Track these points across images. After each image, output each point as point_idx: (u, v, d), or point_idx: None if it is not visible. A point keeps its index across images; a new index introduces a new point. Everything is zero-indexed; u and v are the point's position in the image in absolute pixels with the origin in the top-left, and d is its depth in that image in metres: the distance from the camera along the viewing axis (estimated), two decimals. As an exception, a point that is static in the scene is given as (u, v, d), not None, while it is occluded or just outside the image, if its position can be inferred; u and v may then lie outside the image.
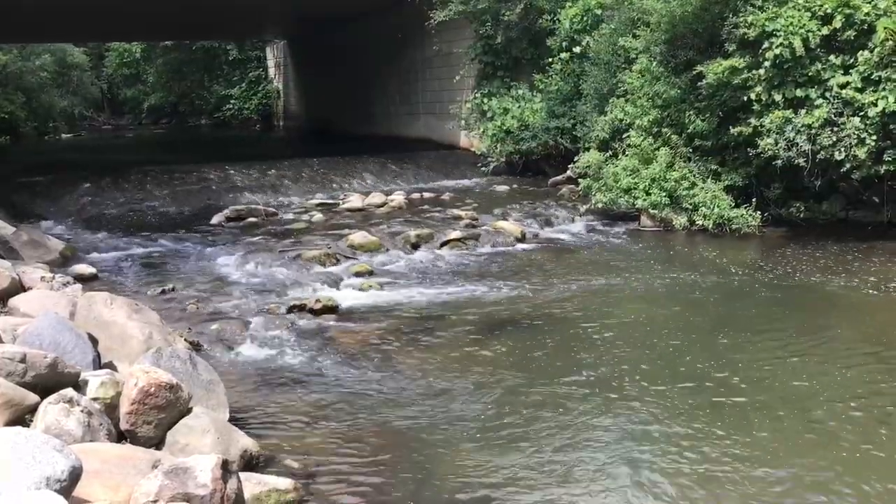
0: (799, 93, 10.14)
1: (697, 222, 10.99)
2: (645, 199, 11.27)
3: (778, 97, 10.21)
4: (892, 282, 8.33)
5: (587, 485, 4.30)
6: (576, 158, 12.96)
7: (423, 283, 8.72)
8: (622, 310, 7.75)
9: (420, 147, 18.94)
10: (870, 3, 9.80)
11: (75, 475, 3.04)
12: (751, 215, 10.74)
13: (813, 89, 10.08)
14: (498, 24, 15.83)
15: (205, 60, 35.39)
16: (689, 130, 11.44)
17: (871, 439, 4.76)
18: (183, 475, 3.33)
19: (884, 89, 9.52)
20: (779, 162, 10.24)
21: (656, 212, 11.27)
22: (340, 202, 13.43)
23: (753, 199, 10.91)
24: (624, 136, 12.10)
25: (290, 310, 7.54)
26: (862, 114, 9.64)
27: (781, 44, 9.96)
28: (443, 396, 5.55)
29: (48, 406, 3.85)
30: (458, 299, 8.05)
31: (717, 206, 10.83)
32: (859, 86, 9.73)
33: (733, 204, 10.90)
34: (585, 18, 14.47)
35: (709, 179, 11.19)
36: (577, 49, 14.40)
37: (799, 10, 10.07)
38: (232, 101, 34.72)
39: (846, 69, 9.94)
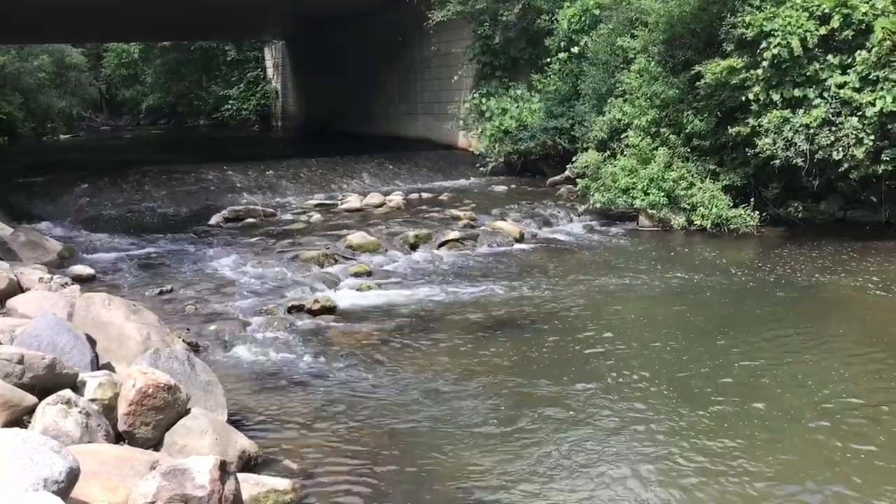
0: (797, 93, 10.15)
1: (695, 222, 11.00)
2: (643, 199, 11.27)
3: (776, 97, 10.21)
4: (890, 281, 8.33)
5: (586, 486, 4.30)
6: (574, 158, 12.97)
7: (422, 283, 8.72)
8: (621, 310, 7.74)
9: (418, 147, 18.94)
10: (867, 2, 9.81)
11: (73, 476, 3.04)
12: (749, 215, 10.75)
13: (811, 89, 10.09)
14: (496, 24, 15.84)
15: (203, 61, 35.39)
16: (687, 130, 11.45)
17: (870, 439, 4.76)
18: (181, 476, 3.33)
19: (881, 89, 9.53)
20: (777, 162, 10.25)
21: (654, 212, 11.27)
22: (339, 203, 13.42)
23: (751, 199, 10.93)
24: (622, 136, 12.11)
25: (289, 310, 7.54)
26: (860, 113, 9.65)
27: (779, 44, 9.97)
28: (441, 397, 5.55)
29: (46, 407, 3.85)
30: (457, 300, 8.05)
31: (716, 206, 10.84)
32: (857, 85, 9.74)
33: (731, 204, 10.91)
34: (583, 18, 14.48)
35: (707, 179, 11.20)
36: (575, 49, 14.41)
37: (797, 9, 10.07)
38: (230, 102, 34.71)
39: (844, 69, 9.95)
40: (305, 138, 27.11)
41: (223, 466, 3.47)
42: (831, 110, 9.87)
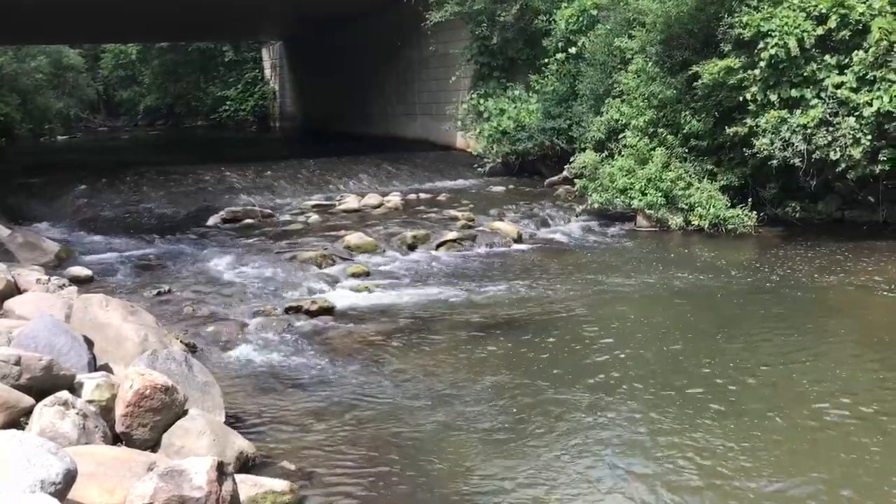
0: (794, 93, 10.16)
1: (693, 222, 11.00)
2: (641, 200, 11.28)
3: (773, 97, 10.22)
4: (888, 281, 8.34)
5: (585, 487, 4.30)
6: (572, 159, 12.98)
7: (420, 284, 8.72)
8: (619, 310, 7.75)
9: (416, 148, 18.94)
10: (864, 3, 9.82)
11: (70, 478, 3.03)
12: (746, 215, 10.76)
13: (808, 89, 10.10)
14: (494, 24, 15.84)
15: (201, 62, 35.38)
16: (684, 130, 11.46)
17: (869, 440, 4.76)
18: (178, 477, 3.33)
19: (879, 89, 9.54)
20: (774, 162, 10.26)
21: (652, 212, 11.28)
22: (337, 203, 13.42)
23: (749, 199, 10.94)
24: (620, 136, 12.11)
25: (287, 311, 7.54)
26: (857, 114, 9.66)
27: (777, 44, 9.98)
28: (439, 397, 5.55)
29: (43, 409, 3.84)
30: (455, 300, 8.05)
31: (713, 206, 10.85)
32: (854, 86, 9.74)
33: (729, 204, 10.92)
34: (581, 19, 14.48)
35: (705, 179, 11.21)
36: (572, 50, 14.41)
37: (794, 10, 10.09)
38: (228, 103, 34.69)
39: (841, 69, 9.97)
40: (303, 139, 27.10)
41: (220, 467, 3.47)
42: (828, 110, 9.88)
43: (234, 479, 3.57)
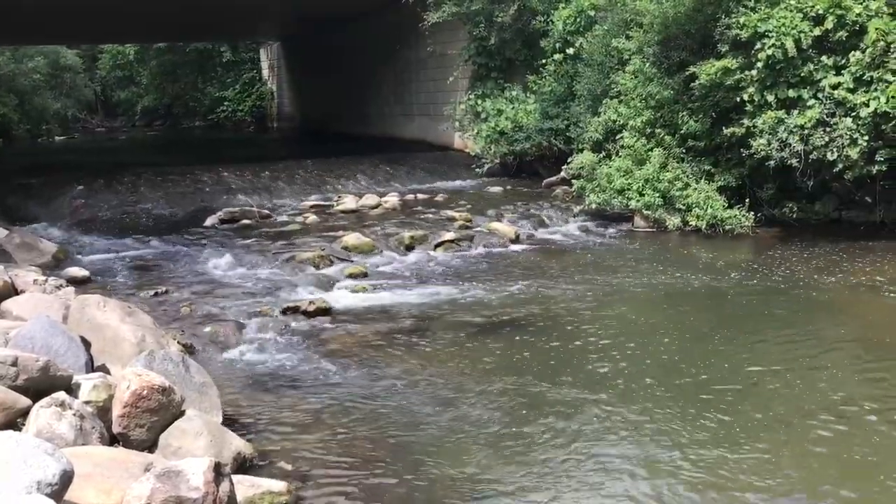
0: (791, 93, 10.17)
1: (691, 223, 11.01)
2: (638, 200, 11.29)
3: (770, 98, 10.24)
4: (885, 281, 8.36)
5: (586, 492, 4.30)
6: (569, 159, 12.98)
7: (417, 284, 8.72)
8: (616, 311, 7.75)
9: (414, 148, 18.93)
10: (861, 4, 9.84)
11: (66, 479, 3.03)
12: (744, 216, 10.77)
13: (805, 90, 10.11)
14: (491, 25, 15.84)
15: (198, 62, 35.35)
16: (682, 131, 11.47)
17: (867, 440, 4.77)
18: (175, 478, 3.32)
19: (875, 90, 9.56)
20: (771, 162, 10.27)
21: (650, 212, 11.28)
22: (334, 204, 13.41)
23: (746, 200, 10.95)
24: (617, 136, 12.12)
25: (284, 312, 7.54)
26: (854, 114, 9.67)
27: (774, 44, 10.00)
28: (437, 399, 5.55)
29: (40, 410, 3.84)
30: (452, 301, 8.05)
31: (711, 207, 10.86)
32: (851, 86, 9.76)
33: (726, 204, 10.93)
34: (578, 20, 14.48)
35: (702, 180, 11.22)
36: (570, 50, 14.41)
37: (791, 10, 10.10)
38: (226, 103, 34.66)
39: (838, 70, 9.98)
40: (301, 139, 27.09)
41: (218, 468, 3.47)
42: (825, 111, 9.89)
43: (231, 480, 3.57)
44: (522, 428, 5.02)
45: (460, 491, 4.27)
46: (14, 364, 4.02)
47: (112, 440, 4.16)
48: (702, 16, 11.21)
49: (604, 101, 12.72)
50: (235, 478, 3.76)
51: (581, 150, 12.74)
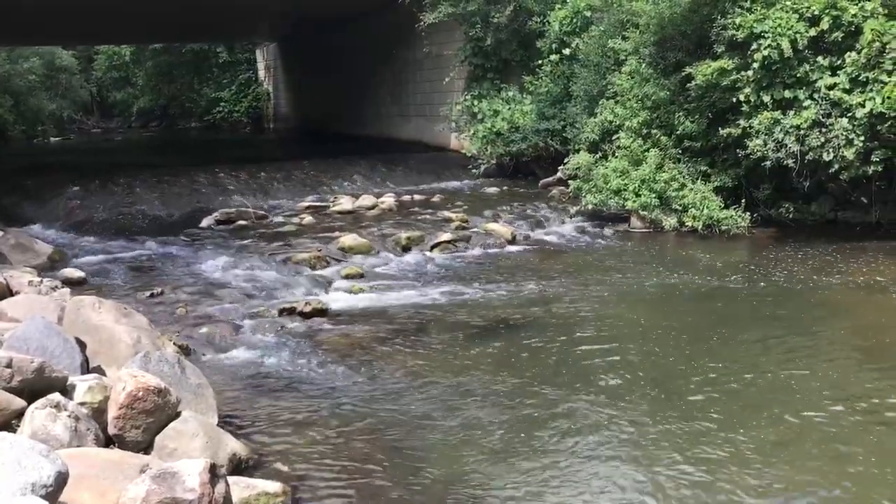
0: (787, 94, 10.19)
1: (687, 223, 11.02)
2: (635, 201, 11.29)
3: (766, 98, 10.25)
4: (881, 282, 8.37)
5: (585, 495, 4.30)
6: (566, 160, 12.98)
7: (414, 285, 8.71)
8: (614, 312, 7.75)
9: (411, 149, 18.93)
10: (857, 4, 9.85)
11: (61, 481, 3.02)
12: (740, 216, 10.79)
13: (801, 90, 10.13)
14: (487, 26, 15.84)
15: (195, 63, 35.32)
16: (678, 132, 11.48)
17: (864, 440, 4.78)
18: (170, 480, 3.31)
19: (871, 90, 9.58)
20: (768, 163, 10.29)
21: (646, 213, 11.29)
22: (331, 204, 13.39)
23: (743, 200, 10.96)
24: (614, 137, 12.12)
25: (280, 313, 7.53)
26: (850, 115, 9.69)
27: (769, 45, 10.01)
28: (434, 400, 5.54)
29: (35, 411, 3.83)
30: (449, 302, 8.04)
31: (707, 207, 10.87)
32: (847, 87, 9.78)
33: (723, 205, 10.95)
34: (575, 20, 14.49)
35: (698, 180, 11.23)
36: (566, 51, 14.41)
37: (787, 11, 10.12)
38: (222, 104, 34.62)
39: (834, 70, 10.00)
40: (297, 140, 27.08)
41: (213, 469, 3.45)
42: (821, 112, 9.91)
43: (226, 481, 3.56)
44: (521, 430, 5.00)
45: (458, 493, 4.26)
46: (9, 365, 4.00)
47: (107, 442, 4.14)
48: (698, 16, 11.23)
49: (600, 102, 12.73)
50: (231, 479, 3.75)
51: (577, 151, 12.74)
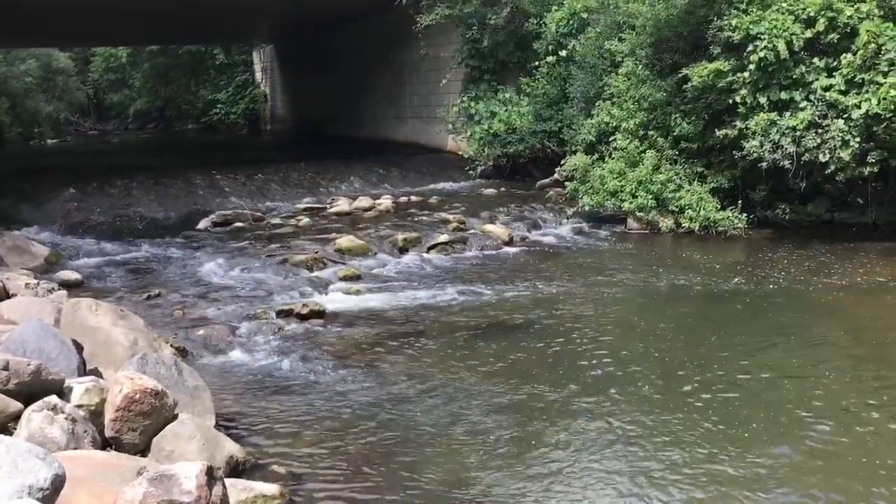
0: (783, 95, 10.21)
1: (684, 224, 11.04)
2: (631, 202, 11.31)
3: (763, 100, 10.27)
4: (877, 283, 8.39)
5: (578, 492, 4.30)
6: (562, 161, 12.99)
7: (411, 286, 8.71)
8: (610, 313, 7.76)
9: (407, 150, 18.93)
10: (853, 6, 9.88)
11: (58, 483, 3.01)
12: (737, 217, 10.80)
13: (797, 92, 10.15)
14: (484, 27, 15.86)
15: (191, 65, 35.30)
16: (674, 133, 11.50)
17: (864, 441, 4.78)
18: (167, 482, 3.31)
19: (867, 91, 9.60)
20: (764, 164, 10.30)
21: (643, 214, 11.31)
22: (328, 206, 13.40)
23: (739, 201, 10.98)
24: (610, 139, 12.13)
25: (278, 315, 7.53)
26: (846, 116, 9.71)
27: (766, 47, 10.03)
28: (431, 402, 5.54)
29: (32, 413, 3.82)
30: (446, 303, 8.04)
31: (703, 209, 10.89)
32: (843, 88, 9.80)
33: (719, 206, 10.96)
34: (571, 22, 14.51)
35: (695, 182, 11.24)
36: (563, 52, 14.43)
37: (783, 13, 10.14)
38: (219, 106, 34.59)
39: (830, 72, 10.02)
40: (294, 142, 27.08)
41: (210, 472, 3.45)
42: (817, 113, 9.93)
43: (224, 484, 3.56)
44: (520, 432, 5.00)
45: (457, 496, 4.26)
46: (5, 368, 3.99)
47: (104, 444, 4.14)
48: (694, 18, 11.25)
49: (597, 104, 12.74)
50: (228, 481, 3.75)
51: (574, 153, 12.75)
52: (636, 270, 9.30)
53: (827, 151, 9.81)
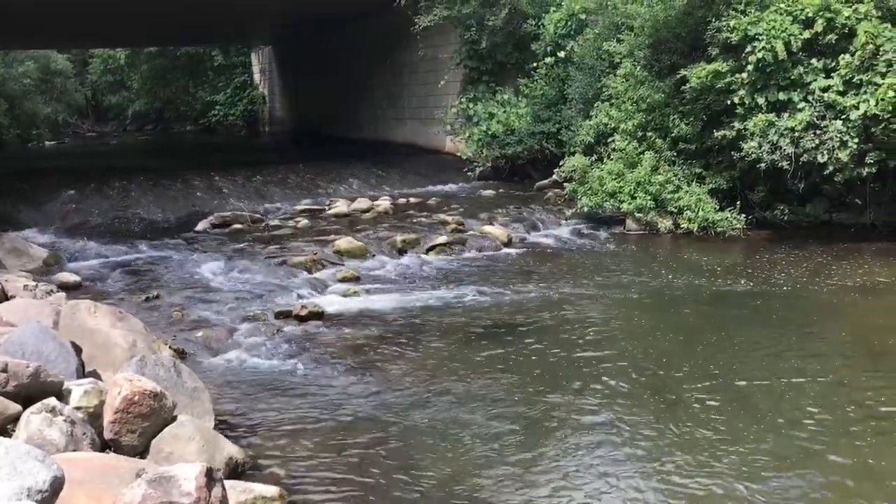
0: (782, 96, 10.22)
1: (682, 225, 11.04)
2: (630, 203, 11.31)
3: (761, 101, 10.28)
4: (875, 284, 8.39)
5: (577, 493, 4.30)
6: (561, 163, 12.99)
7: (410, 288, 8.71)
8: (610, 314, 7.76)
9: (406, 152, 18.94)
10: (850, 7, 9.89)
11: (57, 485, 3.01)
12: (735, 218, 10.81)
13: (795, 93, 10.16)
14: (482, 28, 15.87)
15: (189, 66, 35.31)
16: (673, 134, 11.51)
17: (864, 442, 4.79)
18: (167, 484, 3.30)
19: (865, 92, 9.61)
20: (762, 165, 10.31)
21: (641, 215, 11.31)
22: (326, 208, 13.40)
23: (738, 202, 10.99)
24: (609, 140, 12.14)
25: (276, 316, 7.53)
26: (844, 117, 9.72)
27: (764, 48, 10.04)
28: (429, 403, 5.54)
29: (30, 416, 3.82)
30: (445, 304, 8.04)
31: (702, 210, 10.89)
32: (841, 89, 9.81)
33: (718, 207, 10.97)
34: (570, 23, 14.52)
35: (693, 183, 11.25)
36: (561, 54, 14.44)
37: (781, 14, 10.15)
38: (217, 107, 34.60)
39: (828, 73, 10.03)
40: (293, 143, 27.08)
41: (210, 473, 3.44)
42: (816, 114, 9.94)
43: (223, 485, 3.55)
44: (520, 434, 5.00)
45: (454, 494, 4.26)
46: (4, 370, 3.99)
47: (103, 446, 4.14)
48: (692, 19, 11.26)
49: (595, 105, 12.75)
50: (228, 483, 3.74)
51: (573, 154, 12.75)
52: (635, 271, 9.31)
53: (825, 152, 9.82)
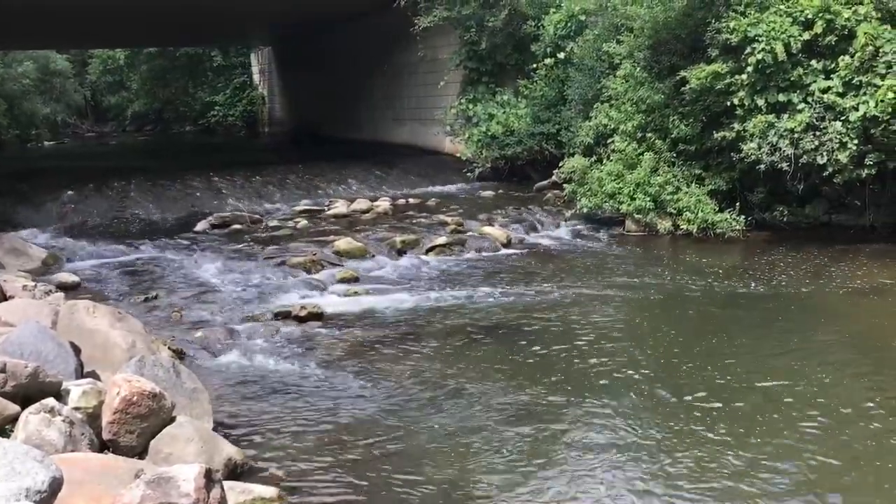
0: (781, 97, 10.21)
1: (682, 227, 11.03)
2: (629, 204, 11.31)
3: (760, 102, 10.27)
4: (874, 285, 8.39)
5: (576, 495, 4.29)
6: (561, 164, 12.99)
7: (409, 289, 8.70)
8: (610, 315, 7.74)
9: (405, 152, 18.94)
10: (850, 8, 9.89)
11: (56, 486, 3.00)
12: (735, 219, 10.81)
13: (795, 94, 10.15)
14: (482, 29, 15.87)
15: (189, 67, 35.30)
16: (673, 135, 11.50)
17: (864, 443, 4.78)
18: (165, 485, 3.30)
19: (864, 94, 9.60)
20: (762, 166, 10.30)
21: (641, 216, 11.31)
22: (326, 208, 13.39)
23: (737, 204, 10.98)
24: (608, 141, 12.13)
25: (275, 317, 7.52)
26: (843, 118, 9.72)
27: (764, 49, 10.03)
28: (428, 404, 5.53)
29: (29, 416, 3.82)
30: (444, 305, 8.04)
31: (702, 211, 10.89)
32: (840, 90, 9.81)
33: (717, 208, 10.96)
34: (569, 24, 14.52)
35: (693, 184, 11.24)
36: (561, 55, 14.45)
37: (780, 15, 10.14)
38: (217, 108, 34.59)
39: (827, 74, 10.03)
40: (292, 144, 27.07)
41: (208, 474, 3.44)
42: (815, 115, 9.93)
43: (222, 486, 3.55)
44: (520, 435, 4.99)
45: (453, 495, 4.26)
46: (2, 370, 3.99)
47: (102, 447, 4.13)
48: (692, 20, 11.26)
49: (595, 106, 12.74)
50: (226, 484, 3.74)
51: (572, 155, 12.75)
52: (635, 272, 9.30)
53: (825, 153, 9.81)
